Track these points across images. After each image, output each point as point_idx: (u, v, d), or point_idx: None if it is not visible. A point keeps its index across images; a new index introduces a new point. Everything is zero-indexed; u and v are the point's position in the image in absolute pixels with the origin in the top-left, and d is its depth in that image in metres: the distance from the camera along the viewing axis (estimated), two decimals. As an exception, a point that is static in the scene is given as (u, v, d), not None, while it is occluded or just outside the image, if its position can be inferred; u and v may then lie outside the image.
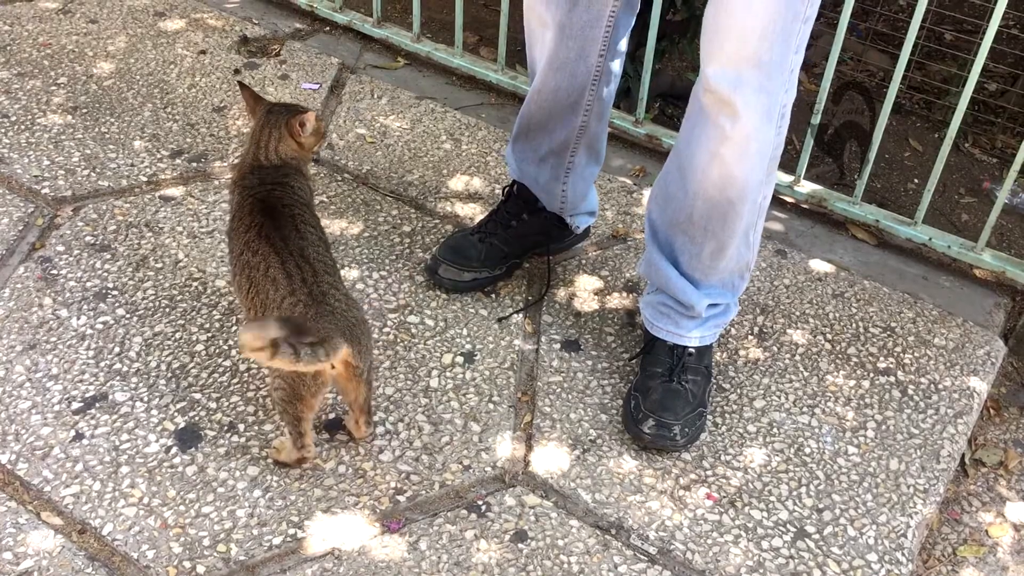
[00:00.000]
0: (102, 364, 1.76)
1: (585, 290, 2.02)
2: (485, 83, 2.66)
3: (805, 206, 2.30)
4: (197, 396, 1.72)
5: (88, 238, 2.02)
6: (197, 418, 1.68)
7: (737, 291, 1.78)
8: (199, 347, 1.81)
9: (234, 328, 1.85)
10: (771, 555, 1.56)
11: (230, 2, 2.95)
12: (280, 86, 2.55)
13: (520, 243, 1.98)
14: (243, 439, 1.65)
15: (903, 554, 1.59)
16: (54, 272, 1.94)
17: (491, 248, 1.95)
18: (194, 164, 2.25)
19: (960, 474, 1.79)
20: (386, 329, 1.88)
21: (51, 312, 1.85)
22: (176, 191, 2.17)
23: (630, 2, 1.73)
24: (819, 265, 2.14)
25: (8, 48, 2.59)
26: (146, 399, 1.70)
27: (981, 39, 1.97)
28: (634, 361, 1.84)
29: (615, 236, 2.17)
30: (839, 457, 1.72)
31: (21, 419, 1.66)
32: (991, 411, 1.92)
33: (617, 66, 1.80)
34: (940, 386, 1.87)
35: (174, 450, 1.63)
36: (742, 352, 1.91)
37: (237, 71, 2.59)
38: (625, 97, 2.57)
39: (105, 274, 1.94)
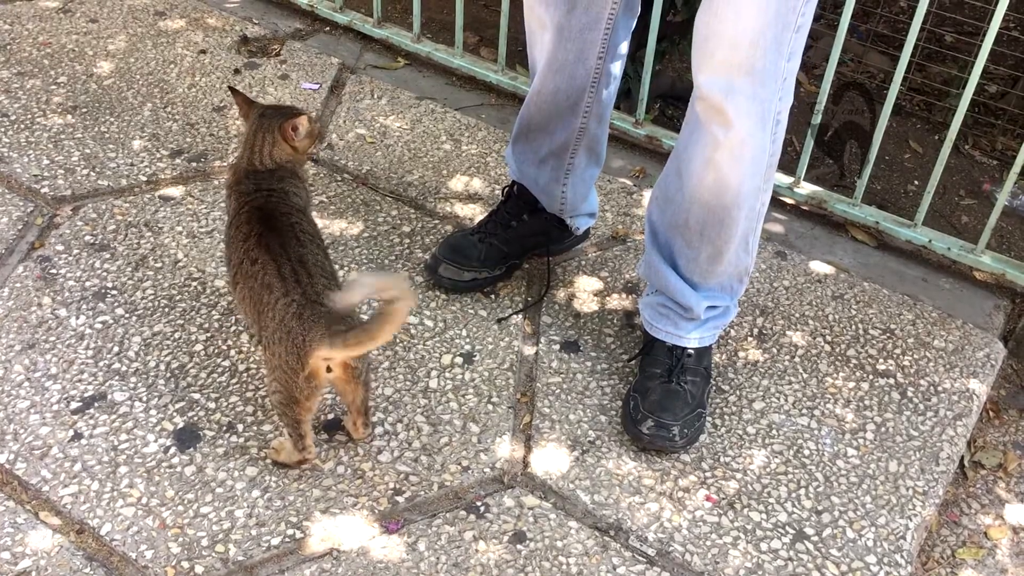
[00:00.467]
0: (101, 364, 1.76)
1: (584, 291, 2.02)
2: (485, 83, 2.66)
3: (805, 208, 2.30)
4: (196, 396, 1.71)
5: (87, 237, 2.02)
6: (196, 418, 1.68)
7: (736, 294, 1.78)
8: (198, 347, 1.81)
9: (233, 328, 1.85)
10: (770, 557, 1.56)
11: (230, 2, 2.95)
12: (280, 86, 2.55)
13: (520, 244, 1.98)
14: (242, 439, 1.65)
15: (902, 556, 1.58)
16: (53, 271, 1.93)
17: (491, 248, 1.95)
18: (194, 164, 2.25)
19: (959, 476, 1.79)
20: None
21: (50, 311, 1.85)
22: (176, 191, 2.17)
23: (630, 5, 1.73)
24: (819, 267, 2.14)
25: (8, 47, 2.59)
26: (145, 399, 1.70)
27: (981, 41, 1.97)
28: (633, 362, 1.84)
29: (615, 237, 2.17)
30: (838, 459, 1.72)
31: (20, 418, 1.66)
32: (990, 413, 1.92)
33: (617, 68, 1.80)
34: (940, 388, 1.87)
35: (173, 450, 1.63)
36: (741, 354, 1.91)
37: (237, 71, 2.59)
38: (625, 98, 2.57)
39: (104, 273, 1.94)
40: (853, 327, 1.99)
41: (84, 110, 2.38)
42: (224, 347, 1.81)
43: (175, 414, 1.68)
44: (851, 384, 1.86)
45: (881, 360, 1.92)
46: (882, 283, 2.12)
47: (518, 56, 2.62)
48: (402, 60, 2.75)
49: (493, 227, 1.97)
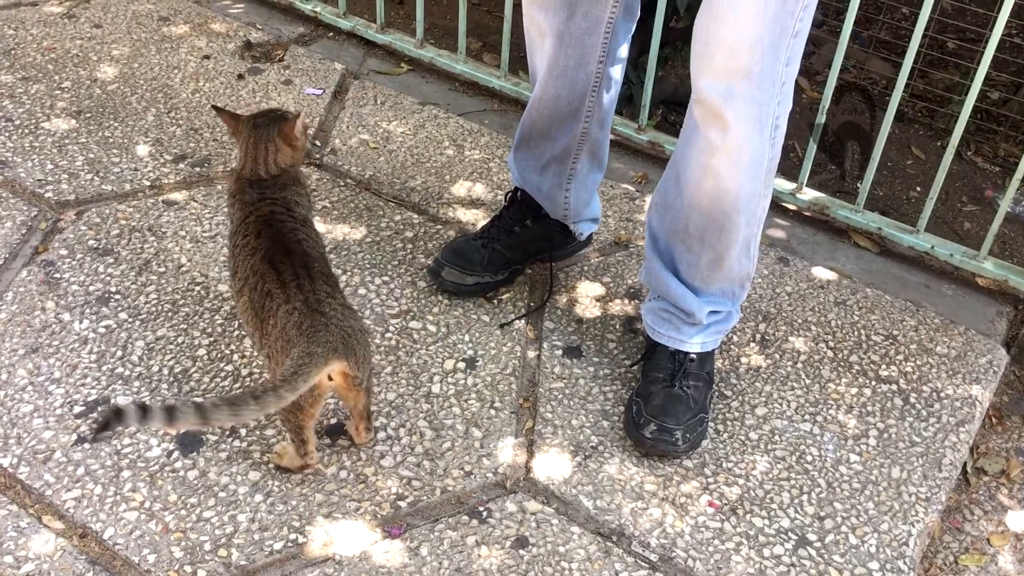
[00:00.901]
0: (104, 368, 1.76)
1: (587, 296, 2.02)
2: (488, 89, 2.66)
3: (807, 213, 2.31)
4: (199, 400, 1.71)
5: (91, 242, 2.02)
6: (199, 422, 1.68)
7: (738, 299, 1.78)
8: (201, 351, 1.81)
9: (236, 333, 1.85)
10: (773, 563, 1.56)
11: (234, 7, 2.96)
12: (283, 91, 2.56)
13: (523, 249, 1.98)
14: (244, 444, 1.65)
15: (905, 562, 1.58)
16: (57, 276, 1.94)
17: (494, 253, 1.95)
18: (197, 169, 2.26)
19: (962, 483, 1.79)
20: (388, 334, 1.88)
21: (54, 316, 1.85)
22: (179, 195, 2.17)
23: (629, 9, 1.74)
24: (821, 273, 2.14)
25: (13, 52, 2.59)
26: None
27: (984, 48, 1.97)
28: (635, 367, 1.84)
29: (617, 243, 2.17)
30: (841, 465, 1.72)
31: (23, 423, 1.66)
32: (993, 420, 1.92)
33: (617, 72, 1.80)
34: (942, 394, 1.87)
35: (175, 454, 1.63)
36: (744, 359, 1.91)
37: (241, 76, 2.60)
38: (628, 104, 2.58)
39: (108, 278, 1.94)
40: (856, 333, 1.99)
41: (88, 115, 2.39)
42: (227, 351, 1.81)
43: (178, 418, 1.68)
44: (854, 390, 1.86)
45: (884, 366, 1.92)
46: (884, 289, 2.12)
47: (521, 62, 2.62)
48: (405, 66, 2.76)
49: (496, 232, 1.98)
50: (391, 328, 1.89)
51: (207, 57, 2.67)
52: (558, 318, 1.96)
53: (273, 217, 1.59)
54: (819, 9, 3.07)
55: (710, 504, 1.63)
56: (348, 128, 2.46)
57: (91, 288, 1.92)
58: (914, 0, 2.19)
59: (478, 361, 1.84)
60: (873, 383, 1.88)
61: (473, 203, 2.24)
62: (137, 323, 1.85)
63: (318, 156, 2.35)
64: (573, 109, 1.81)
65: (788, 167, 2.51)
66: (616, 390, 1.82)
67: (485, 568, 1.51)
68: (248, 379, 1.76)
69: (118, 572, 1.47)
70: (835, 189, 2.53)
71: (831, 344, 1.96)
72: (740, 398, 1.83)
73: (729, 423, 1.78)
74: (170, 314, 1.88)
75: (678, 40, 2.59)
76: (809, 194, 2.29)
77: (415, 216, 2.18)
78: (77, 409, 1.69)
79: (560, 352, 1.88)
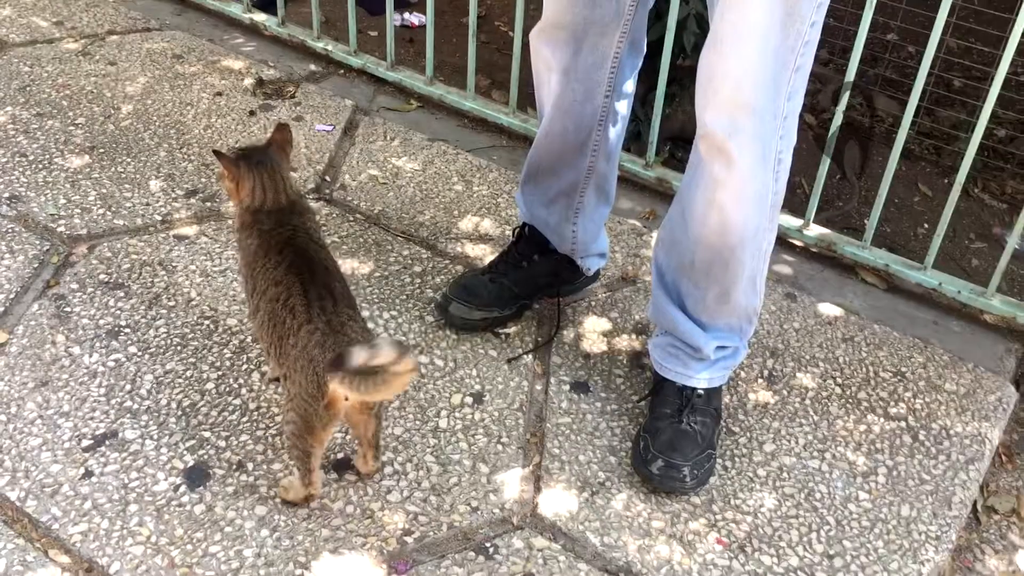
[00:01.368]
0: (113, 401, 1.77)
1: (594, 332, 2.02)
2: (496, 126, 2.69)
3: (814, 250, 2.31)
4: (207, 434, 1.72)
5: (102, 276, 2.04)
6: (206, 456, 1.68)
7: (745, 335, 1.78)
8: (209, 385, 1.81)
9: (245, 367, 1.85)
10: (781, 601, 1.55)
11: (247, 45, 3.00)
12: (295, 128, 2.58)
13: (531, 284, 1.99)
14: (252, 478, 1.65)
15: (915, 602, 1.57)
16: (68, 309, 1.95)
17: (502, 288, 1.96)
18: (208, 204, 2.28)
19: (972, 521, 1.77)
20: (396, 369, 1.88)
21: (64, 349, 1.86)
22: (190, 230, 2.19)
23: (635, 45, 1.76)
24: (829, 309, 2.14)
25: (28, 89, 2.63)
26: (156, 437, 1.71)
27: (990, 86, 1.98)
28: (643, 403, 1.84)
29: (624, 278, 2.18)
30: (850, 503, 1.71)
31: (31, 456, 1.66)
32: (1003, 458, 1.90)
33: (624, 107, 1.82)
34: (951, 432, 1.86)
35: (182, 488, 1.63)
36: (752, 395, 1.90)
37: (252, 113, 2.63)
38: (636, 140, 2.59)
39: (118, 312, 1.96)
40: (864, 370, 1.98)
41: (101, 150, 2.42)
42: (235, 385, 1.82)
43: (185, 452, 1.68)
44: (862, 427, 1.85)
45: (892, 403, 1.91)
46: (892, 326, 2.12)
47: (529, 99, 2.64)
48: (415, 102, 2.79)
49: (504, 267, 1.99)
50: (399, 363, 1.89)
51: (220, 94, 2.70)
52: (565, 353, 1.96)
53: (295, 238, 1.62)
54: (825, 47, 3.09)
55: (718, 541, 1.62)
56: (358, 164, 2.48)
57: (101, 322, 1.93)
58: (920, 39, 2.21)
59: (485, 396, 1.85)
60: (882, 420, 1.87)
61: (481, 238, 2.25)
62: (146, 357, 1.86)
63: (328, 191, 2.37)
64: (579, 143, 1.82)
65: (795, 204, 2.52)
66: (623, 426, 1.81)
67: (491, 605, 1.50)
68: (256, 413, 1.76)
69: (123, 607, 1.46)
70: (842, 226, 2.54)
71: (839, 380, 1.95)
72: (748, 434, 1.82)
73: (737, 459, 1.77)
74: (179, 348, 1.89)
75: (685, 78, 2.62)
76: (816, 230, 2.30)
77: (423, 251, 2.19)
78: (85, 443, 1.69)
79: (567, 387, 1.88)
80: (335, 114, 2.66)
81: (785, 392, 1.92)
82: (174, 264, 2.09)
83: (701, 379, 1.74)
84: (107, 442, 1.69)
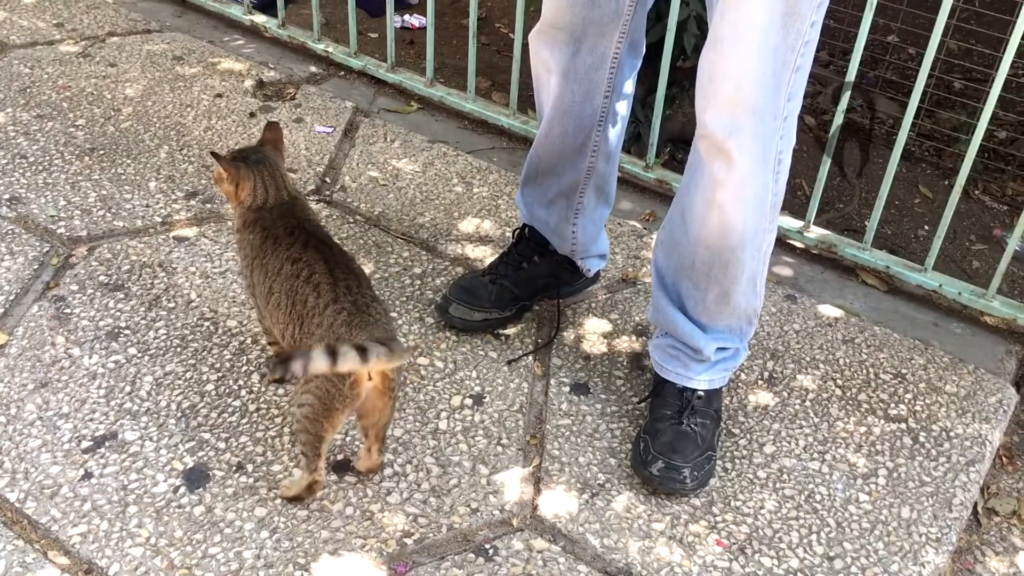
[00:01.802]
0: (112, 403, 1.77)
1: (594, 333, 2.02)
2: (497, 127, 2.69)
3: (815, 251, 2.31)
4: (206, 436, 1.72)
5: (102, 278, 2.04)
6: (206, 458, 1.68)
7: (745, 336, 1.78)
8: (209, 387, 1.81)
9: (244, 369, 1.85)
10: (781, 603, 1.55)
11: (247, 47, 3.00)
12: (295, 129, 2.58)
13: (531, 285, 1.99)
14: (251, 480, 1.65)
15: (915, 604, 1.57)
16: (67, 311, 1.95)
17: (502, 289, 1.96)
18: (208, 205, 2.28)
19: (973, 523, 1.77)
20: (396, 371, 1.88)
21: (63, 351, 1.86)
22: (190, 231, 2.19)
23: (634, 45, 1.76)
24: (829, 310, 2.14)
25: (28, 90, 2.63)
26: (155, 438, 1.71)
27: (990, 88, 1.98)
28: (643, 404, 1.84)
29: (624, 280, 2.17)
30: (850, 504, 1.71)
31: (31, 457, 1.66)
32: (1003, 460, 1.90)
33: (623, 108, 1.82)
34: (952, 434, 1.86)
35: (182, 490, 1.63)
36: (752, 397, 1.90)
37: (252, 114, 2.63)
38: (636, 142, 2.59)
39: (118, 313, 1.96)
40: (864, 371, 1.98)
41: (101, 152, 2.42)
42: (235, 387, 1.82)
43: (185, 454, 1.68)
44: (862, 429, 1.85)
45: (892, 405, 1.91)
46: (893, 327, 2.11)
47: (529, 101, 2.64)
48: (415, 104, 2.79)
49: (504, 268, 1.99)
50: (399, 364, 1.89)
51: (220, 95, 2.70)
52: (565, 355, 1.96)
53: (304, 224, 1.63)
54: (826, 49, 3.09)
55: (718, 543, 1.62)
56: (358, 165, 2.48)
57: (101, 323, 1.93)
58: (920, 41, 2.21)
59: (485, 397, 1.84)
60: (882, 422, 1.87)
61: (481, 240, 2.25)
62: (146, 358, 1.86)
63: (328, 193, 2.37)
64: (579, 144, 1.82)
65: (796, 205, 2.52)
66: (623, 427, 1.81)
67: (491, 607, 1.50)
68: (256, 414, 1.76)
69: (122, 608, 1.46)
70: (842, 227, 2.54)
71: (839, 382, 1.95)
72: (748, 436, 1.82)
73: (737, 461, 1.77)
74: (179, 349, 1.89)
75: (685, 80, 2.62)
76: (816, 232, 2.30)
77: (423, 253, 2.19)
78: (85, 444, 1.69)
79: (567, 389, 1.88)
80: (335, 116, 2.66)
81: (785, 394, 1.91)
82: (174, 266, 2.09)
83: (701, 380, 1.74)
84: (107, 443, 1.69)
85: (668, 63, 2.30)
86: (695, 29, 2.49)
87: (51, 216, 2.19)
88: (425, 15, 2.79)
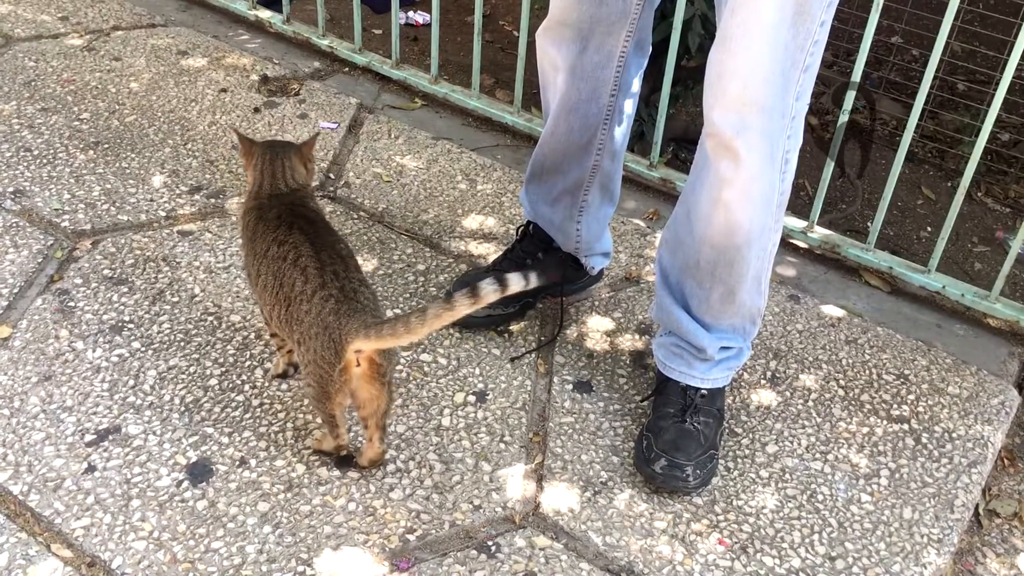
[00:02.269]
0: (116, 397, 1.77)
1: (597, 331, 2.02)
2: (501, 125, 2.69)
3: (818, 252, 2.31)
4: (210, 430, 1.72)
5: (106, 271, 2.04)
6: (209, 452, 1.68)
7: (749, 336, 1.78)
8: (213, 381, 1.81)
9: (248, 363, 1.85)
10: (783, 602, 1.55)
11: (251, 42, 3.00)
12: (299, 125, 2.58)
13: (534, 283, 1.99)
14: (254, 474, 1.65)
15: (917, 604, 1.57)
16: (71, 304, 1.95)
17: (505, 287, 1.96)
18: (212, 200, 2.28)
19: (974, 524, 1.77)
20: (399, 367, 1.88)
21: (67, 344, 1.87)
22: (194, 226, 2.19)
23: (641, 43, 1.76)
24: (832, 311, 2.14)
25: (33, 84, 2.63)
26: (159, 432, 1.71)
27: (994, 90, 1.98)
28: (646, 403, 1.84)
29: (628, 278, 2.18)
30: (852, 505, 1.71)
31: (34, 450, 1.66)
32: (1005, 461, 1.90)
33: (629, 106, 1.82)
34: (954, 435, 1.86)
35: (185, 484, 1.63)
36: (755, 396, 1.90)
37: (257, 109, 2.63)
38: (639, 141, 2.60)
39: (122, 307, 1.96)
40: (867, 372, 1.99)
41: (106, 146, 2.42)
42: (238, 382, 1.82)
43: (188, 448, 1.68)
44: (865, 429, 1.86)
45: (895, 405, 1.91)
46: (896, 328, 2.12)
47: (534, 98, 2.65)
48: (419, 101, 2.79)
49: (508, 265, 1.99)
50: (402, 360, 1.89)
51: (224, 90, 2.70)
52: (569, 352, 1.96)
53: (294, 207, 1.65)
54: (830, 50, 3.09)
55: (720, 542, 1.62)
56: (362, 162, 2.48)
57: (105, 317, 1.93)
58: (925, 42, 2.21)
59: (488, 395, 1.85)
60: (884, 422, 1.87)
61: (485, 237, 2.25)
62: (150, 352, 1.86)
63: (332, 189, 2.37)
64: (585, 142, 1.82)
65: (799, 205, 2.52)
66: (626, 425, 1.81)
67: (493, 603, 1.50)
68: (259, 409, 1.76)
69: (125, 602, 1.46)
70: (846, 228, 2.54)
71: (842, 383, 1.95)
72: (751, 435, 1.82)
73: (740, 460, 1.77)
74: (183, 343, 1.89)
75: (689, 79, 2.62)
76: (820, 232, 2.30)
77: (427, 249, 2.19)
78: (88, 438, 1.69)
79: (570, 387, 1.88)
80: (339, 112, 2.66)
81: (788, 394, 1.92)
82: (178, 260, 2.09)
83: (705, 379, 1.74)
84: (110, 437, 1.69)
85: (673, 62, 2.30)
86: (700, 28, 2.49)
87: (55, 209, 2.19)
88: (430, 12, 2.79)
